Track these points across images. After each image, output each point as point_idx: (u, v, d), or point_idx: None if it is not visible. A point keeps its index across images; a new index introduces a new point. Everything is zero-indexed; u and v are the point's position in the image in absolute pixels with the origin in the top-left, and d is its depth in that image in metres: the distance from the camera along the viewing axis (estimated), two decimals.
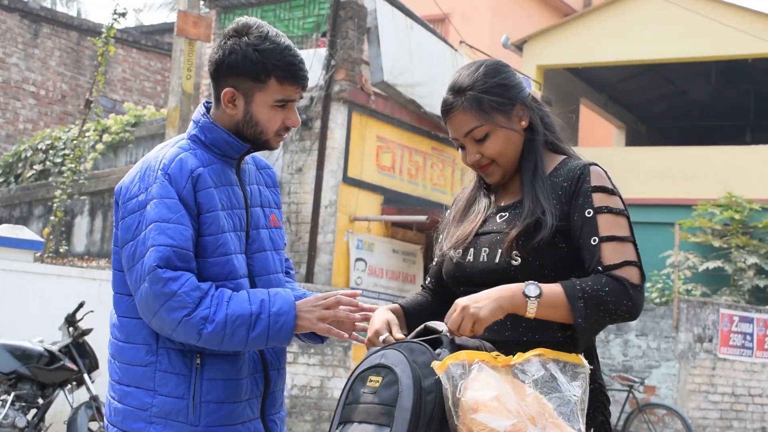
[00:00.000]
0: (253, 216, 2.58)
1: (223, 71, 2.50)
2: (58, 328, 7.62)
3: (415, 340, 2.27)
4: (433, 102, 12.80)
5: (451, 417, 2.11)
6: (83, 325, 7.42)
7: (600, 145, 21.63)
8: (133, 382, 2.45)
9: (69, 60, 19.03)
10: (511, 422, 2.07)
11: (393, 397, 2.13)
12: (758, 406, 13.62)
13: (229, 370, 2.47)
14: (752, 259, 15.33)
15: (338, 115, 12.28)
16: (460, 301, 2.26)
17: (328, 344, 10.78)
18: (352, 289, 11.23)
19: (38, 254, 10.13)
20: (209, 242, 2.44)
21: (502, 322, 2.35)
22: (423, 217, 12.18)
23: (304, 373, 10.68)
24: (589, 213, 2.37)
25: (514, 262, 2.38)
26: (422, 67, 13.12)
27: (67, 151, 14.22)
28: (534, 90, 14.66)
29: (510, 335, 2.37)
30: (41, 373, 7.14)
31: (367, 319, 2.49)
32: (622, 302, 2.29)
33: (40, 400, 7.21)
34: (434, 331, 2.31)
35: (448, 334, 2.26)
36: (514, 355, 2.23)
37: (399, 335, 2.35)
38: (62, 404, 7.63)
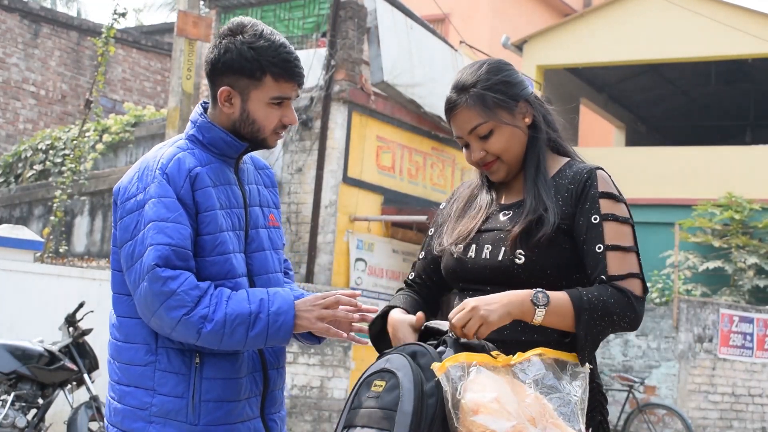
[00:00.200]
0: (251, 215, 2.58)
1: (218, 70, 2.51)
2: (58, 328, 7.61)
3: (419, 342, 2.29)
4: (433, 102, 12.79)
5: (451, 419, 2.11)
6: (83, 325, 7.41)
7: (600, 145, 21.62)
8: (132, 381, 2.45)
9: (69, 60, 19.03)
10: (511, 424, 2.07)
11: (394, 401, 2.14)
12: (758, 406, 13.62)
13: (229, 369, 2.47)
14: (752, 259, 15.32)
15: (338, 115, 12.27)
16: (470, 301, 2.26)
17: (328, 344, 10.78)
18: (352, 289, 11.22)
19: (38, 254, 10.13)
20: (207, 241, 2.44)
21: None
22: (423, 217, 12.17)
23: (304, 373, 10.67)
24: (595, 219, 2.39)
25: (517, 261, 2.39)
26: (422, 67, 13.10)
27: (67, 151, 14.21)
28: (535, 90, 14.67)
29: (509, 335, 2.37)
30: (41, 373, 7.14)
31: (365, 320, 2.50)
32: (626, 314, 2.32)
33: (40, 400, 7.21)
34: (437, 331, 2.31)
35: (451, 333, 2.26)
36: (513, 354, 2.24)
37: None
38: (62, 404, 7.63)
